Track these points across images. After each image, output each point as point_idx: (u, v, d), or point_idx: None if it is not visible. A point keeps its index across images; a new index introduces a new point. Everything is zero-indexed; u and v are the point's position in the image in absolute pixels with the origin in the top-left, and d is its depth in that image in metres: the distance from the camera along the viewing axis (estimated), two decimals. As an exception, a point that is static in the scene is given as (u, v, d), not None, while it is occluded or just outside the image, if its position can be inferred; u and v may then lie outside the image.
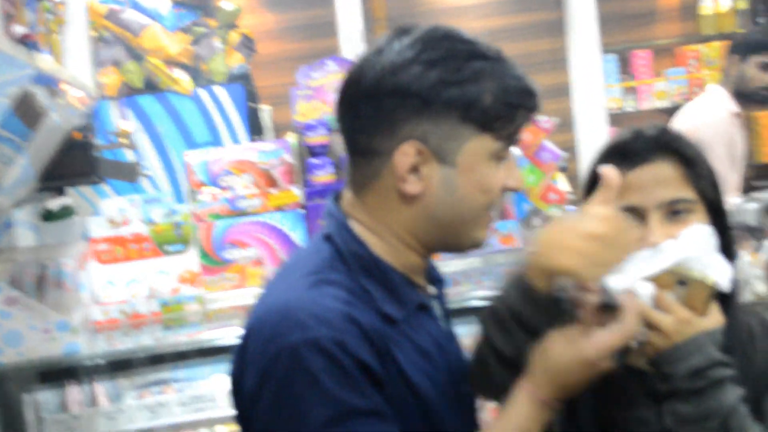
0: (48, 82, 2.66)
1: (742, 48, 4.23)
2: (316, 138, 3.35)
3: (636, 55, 6.42)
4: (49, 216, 3.17)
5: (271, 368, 1.33)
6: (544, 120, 3.50)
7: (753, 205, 2.69)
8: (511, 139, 1.44)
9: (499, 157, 1.44)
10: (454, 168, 1.43)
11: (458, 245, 1.52)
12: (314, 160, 3.33)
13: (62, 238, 3.12)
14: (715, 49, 6.30)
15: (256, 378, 1.36)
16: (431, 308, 1.56)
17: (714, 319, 1.53)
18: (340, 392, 1.31)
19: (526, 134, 3.45)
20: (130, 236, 3.02)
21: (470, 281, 3.15)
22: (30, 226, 3.26)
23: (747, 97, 4.26)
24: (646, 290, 1.47)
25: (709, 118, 4.20)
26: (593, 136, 6.18)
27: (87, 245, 2.99)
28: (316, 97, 3.52)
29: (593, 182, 1.61)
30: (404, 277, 1.50)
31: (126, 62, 4.63)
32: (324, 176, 3.31)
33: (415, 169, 1.42)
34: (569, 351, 1.40)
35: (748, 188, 4.71)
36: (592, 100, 6.22)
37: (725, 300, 1.56)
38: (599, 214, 1.40)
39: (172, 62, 4.65)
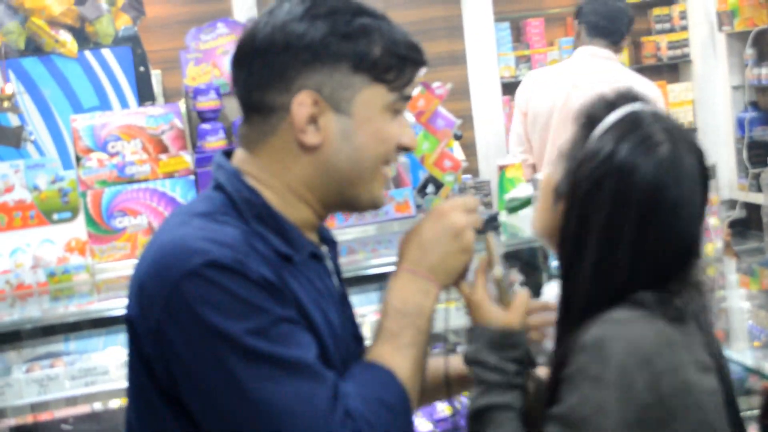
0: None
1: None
2: (207, 103, 3.31)
3: (529, 24, 6.51)
4: (-74, 182, 3.07)
5: (175, 298, 1.34)
6: (437, 86, 3.51)
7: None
8: (402, 92, 1.50)
9: (394, 109, 1.50)
10: (351, 118, 1.48)
11: (356, 201, 1.55)
12: (205, 126, 3.29)
13: (-59, 205, 3.02)
14: (607, 18, 6.42)
15: (161, 313, 1.35)
16: (324, 261, 1.58)
17: (501, 319, 1.59)
18: (258, 302, 1.35)
19: (420, 100, 3.47)
20: (14, 203, 2.95)
21: (366, 249, 3.16)
22: None
23: None
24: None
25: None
26: (487, 104, 6.24)
27: (-32, 213, 2.90)
28: (206, 61, 3.47)
29: None
30: (298, 229, 1.52)
31: (7, 22, 4.48)
32: (215, 142, 3.27)
33: (313, 120, 1.46)
34: (434, 221, 1.53)
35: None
36: (485, 68, 6.28)
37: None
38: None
39: (56, 23, 4.53)
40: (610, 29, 4.30)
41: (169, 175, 3.15)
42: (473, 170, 5.85)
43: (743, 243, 5.89)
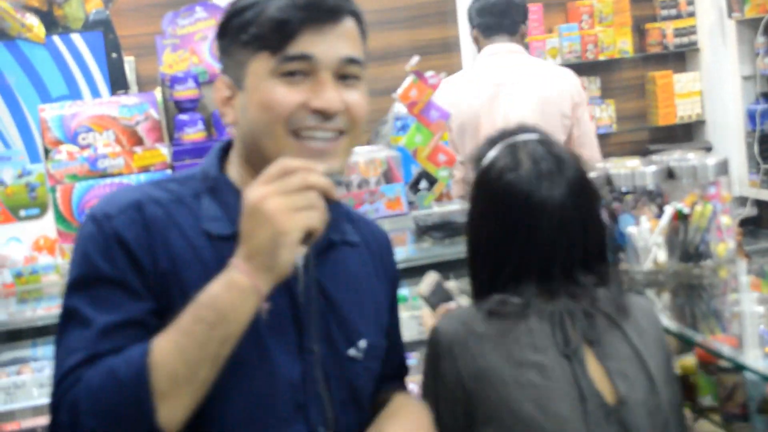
0: None
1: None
2: (185, 92, 3.30)
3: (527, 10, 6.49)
4: None
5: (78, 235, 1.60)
6: (430, 75, 3.50)
7: (651, 169, 2.74)
8: (285, 53, 1.54)
9: (280, 73, 1.55)
10: (245, 92, 1.59)
11: None
12: (183, 116, 3.29)
13: None
14: (609, 4, 6.43)
15: None
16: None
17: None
18: (94, 257, 1.52)
19: (413, 90, 3.46)
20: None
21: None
22: None
23: None
24: None
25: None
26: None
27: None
28: (184, 47, 3.46)
29: None
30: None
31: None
32: (194, 134, 3.27)
33: (229, 102, 1.63)
34: (244, 210, 1.45)
35: (645, 152, 4.83)
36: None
37: None
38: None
39: (21, 6, 4.51)
40: (501, 24, 4.43)
41: (145, 169, 3.15)
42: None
43: (755, 243, 5.88)
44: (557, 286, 1.95)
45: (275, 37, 1.54)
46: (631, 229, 2.68)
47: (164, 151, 3.18)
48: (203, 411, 1.48)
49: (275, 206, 1.40)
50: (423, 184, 3.42)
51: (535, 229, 1.95)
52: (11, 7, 4.44)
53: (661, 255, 2.64)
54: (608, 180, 2.77)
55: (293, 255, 1.42)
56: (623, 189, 2.76)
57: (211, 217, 1.59)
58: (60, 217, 2.99)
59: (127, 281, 1.51)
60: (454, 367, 1.88)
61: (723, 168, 2.77)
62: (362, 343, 1.68)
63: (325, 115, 1.54)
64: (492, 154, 2.03)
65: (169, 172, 3.16)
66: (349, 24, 1.59)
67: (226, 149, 1.71)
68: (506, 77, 4.27)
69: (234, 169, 1.67)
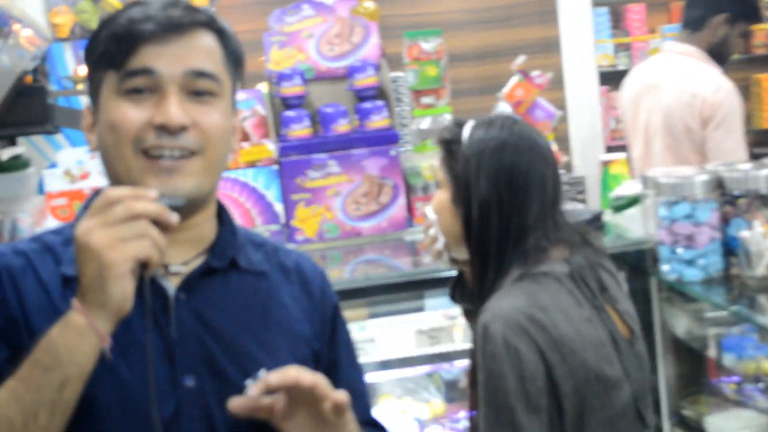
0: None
1: (736, 9, 4.19)
2: (291, 89, 3.32)
3: (629, 10, 6.42)
4: (0, 167, 3.12)
5: None
6: (536, 75, 3.48)
7: (765, 172, 2.67)
8: (127, 68, 1.44)
9: (124, 91, 1.45)
10: (99, 114, 1.50)
11: None
12: (289, 113, 3.30)
13: (15, 191, 3.07)
14: (714, 4, 6.32)
15: None
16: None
17: None
18: None
19: (518, 90, 3.44)
20: (89, 191, 2.98)
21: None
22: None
23: (720, 61, 4.22)
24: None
25: (728, 83, 4.14)
26: (584, 94, 6.17)
27: (43, 200, 2.94)
28: (291, 44, 3.48)
29: None
30: None
31: (80, 2, 4.55)
32: (300, 130, 3.28)
33: (93, 128, 1.53)
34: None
35: (749, 155, 4.71)
36: (582, 56, 6.20)
37: None
38: None
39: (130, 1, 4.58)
40: (686, 16, 4.22)
41: (251, 164, 3.17)
42: (566, 165, 5.79)
43: None
44: (569, 243, 2.07)
45: (116, 52, 1.44)
46: (743, 234, 2.62)
47: (270, 147, 3.20)
48: None
49: (99, 239, 1.30)
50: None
51: (545, 176, 2.06)
52: (120, 4, 4.51)
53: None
54: (720, 183, 2.72)
55: (125, 288, 1.31)
56: (735, 192, 2.70)
57: (70, 260, 1.45)
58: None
59: None
60: (533, 345, 1.88)
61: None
62: (262, 374, 1.48)
63: (168, 130, 1.43)
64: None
65: (275, 167, 3.18)
66: (202, 38, 1.49)
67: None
68: (653, 78, 4.11)
69: None
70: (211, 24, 1.50)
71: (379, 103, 3.30)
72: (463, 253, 2.11)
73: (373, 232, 3.27)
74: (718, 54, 4.15)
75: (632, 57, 6.32)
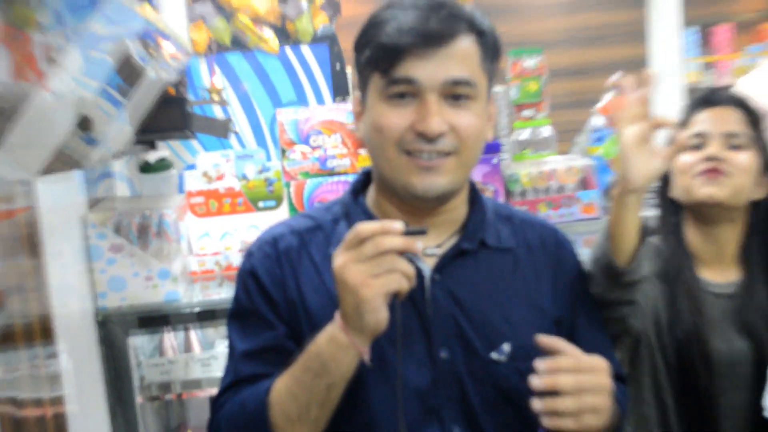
0: (148, 36, 2.70)
1: None
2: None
3: (716, 30, 6.34)
4: (146, 168, 3.23)
5: None
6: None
7: None
8: (390, 76, 1.50)
9: (387, 96, 1.51)
10: (367, 110, 1.57)
11: (394, 190, 1.58)
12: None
13: (159, 189, 3.18)
14: (798, 26, 6.21)
15: None
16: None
17: None
18: (239, 292, 1.65)
19: (611, 105, 3.44)
20: (224, 190, 3.07)
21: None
22: (126, 177, 3.33)
23: None
24: None
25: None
26: (671, 110, 6.11)
27: (183, 198, 3.05)
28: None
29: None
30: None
31: (214, 20, 4.67)
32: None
33: (360, 117, 1.61)
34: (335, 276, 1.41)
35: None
36: (670, 74, 6.14)
37: None
38: None
39: (259, 21, 4.68)
40: None
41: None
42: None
43: None
44: None
45: (384, 60, 1.50)
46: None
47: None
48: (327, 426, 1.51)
49: (353, 275, 1.36)
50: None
51: None
52: (251, 22, 4.63)
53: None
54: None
55: (379, 317, 1.37)
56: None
57: (338, 240, 1.50)
58: (293, 209, 3.10)
59: (261, 312, 1.60)
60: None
61: None
62: (506, 347, 1.58)
63: (427, 137, 1.49)
64: None
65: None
66: (461, 44, 1.51)
67: (369, 173, 1.70)
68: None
69: (370, 192, 1.68)
70: (471, 27, 1.53)
71: (484, 115, 3.34)
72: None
73: (476, 233, 3.30)
74: None
75: (717, 75, 6.24)
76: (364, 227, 1.36)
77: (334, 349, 1.42)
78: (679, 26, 6.13)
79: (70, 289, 2.34)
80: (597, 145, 3.48)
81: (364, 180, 1.71)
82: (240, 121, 4.58)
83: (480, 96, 1.54)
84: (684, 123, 2.17)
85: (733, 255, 2.09)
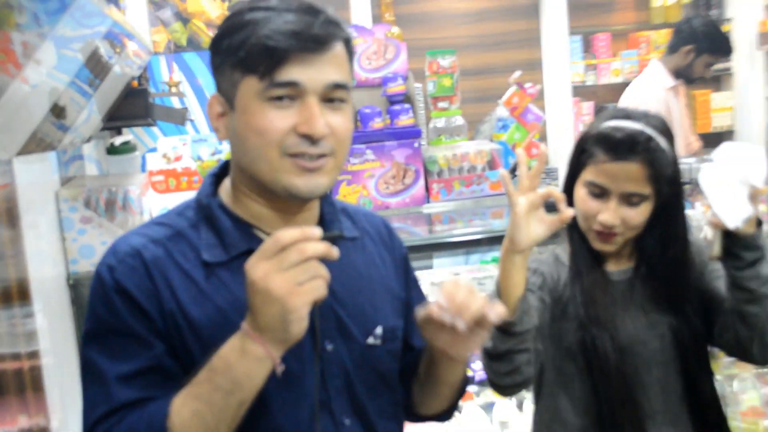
0: (114, 37, 2.60)
1: (703, 45, 4.20)
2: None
3: (597, 38, 6.37)
4: (113, 150, 3.12)
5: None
6: (529, 86, 3.47)
7: (703, 164, 2.67)
8: (272, 79, 1.25)
9: (268, 98, 1.25)
10: (236, 112, 1.29)
11: (274, 192, 1.30)
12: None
13: (124, 169, 3.07)
14: (663, 35, 6.26)
15: None
16: None
17: None
18: (100, 310, 1.27)
19: (515, 98, 3.42)
20: (181, 170, 2.99)
21: (463, 219, 3.14)
22: (94, 159, 3.22)
23: (687, 80, 4.28)
24: None
25: (651, 92, 4.21)
26: (560, 103, 6.14)
27: (146, 176, 2.95)
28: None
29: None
30: (246, 225, 1.34)
31: (173, 24, 4.55)
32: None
33: (221, 118, 1.32)
34: (247, 284, 1.16)
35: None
36: (559, 74, 6.17)
37: None
38: None
39: (211, 24, 4.59)
40: (669, 41, 4.40)
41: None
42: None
43: None
44: None
45: (263, 62, 1.24)
46: (687, 212, 2.61)
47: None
48: None
49: (279, 285, 1.12)
50: (519, 171, 3.38)
51: None
52: (204, 26, 4.51)
53: (709, 232, 2.59)
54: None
55: (303, 325, 1.15)
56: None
57: (209, 245, 1.31)
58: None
59: (134, 330, 1.25)
60: None
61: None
62: (378, 330, 1.41)
63: (311, 140, 1.25)
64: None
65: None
66: (337, 49, 1.29)
67: (219, 174, 1.40)
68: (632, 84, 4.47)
69: (227, 191, 1.37)
70: (342, 32, 1.31)
71: (406, 106, 3.29)
72: None
73: (399, 206, 3.27)
74: (684, 75, 4.22)
75: (598, 75, 6.28)
76: (285, 234, 1.13)
77: (249, 363, 1.16)
78: (566, 34, 6.15)
79: (45, 256, 2.25)
80: (501, 132, 3.46)
81: (218, 181, 1.40)
82: (195, 111, 4.47)
83: (350, 99, 1.33)
84: (589, 154, 1.83)
85: (630, 249, 1.91)
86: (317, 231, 1.15)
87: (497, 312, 1.28)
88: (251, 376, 1.17)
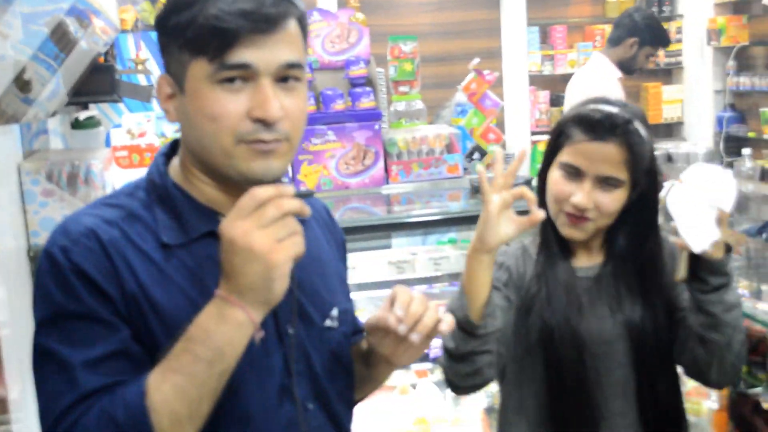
0: (81, 13, 2.53)
1: (645, 37, 4.21)
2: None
3: (554, 29, 6.39)
4: (77, 125, 3.05)
5: (36, 272, 1.20)
6: (487, 73, 3.45)
7: (656, 153, 2.68)
8: (223, 61, 1.14)
9: (219, 80, 1.15)
10: (186, 94, 1.18)
11: (227, 177, 1.21)
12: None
13: (88, 143, 3.00)
14: (617, 28, 6.30)
15: None
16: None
17: None
18: (56, 295, 1.14)
19: (473, 84, 3.41)
20: (145, 146, 2.93)
21: (421, 201, 3.12)
22: (59, 133, 3.14)
23: (627, 72, 4.29)
24: None
25: (599, 82, 4.20)
26: (517, 91, 6.15)
27: (109, 152, 2.89)
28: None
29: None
30: (203, 208, 1.25)
31: (141, 2, 4.46)
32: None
33: (171, 101, 1.22)
34: (224, 244, 1.08)
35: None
36: (517, 63, 6.18)
37: None
38: None
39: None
40: (611, 34, 4.40)
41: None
42: (503, 144, 5.77)
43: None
44: None
45: (213, 44, 1.14)
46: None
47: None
48: None
49: (261, 242, 1.05)
50: (476, 155, 3.38)
51: None
52: (150, 5, 4.44)
53: (660, 217, 2.59)
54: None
55: (285, 284, 1.08)
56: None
57: (166, 227, 1.21)
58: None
59: (96, 314, 1.13)
60: None
61: (708, 157, 2.70)
62: (334, 312, 1.36)
63: (266, 124, 1.16)
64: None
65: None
66: (290, 27, 1.18)
67: (168, 153, 1.30)
68: (575, 76, 4.45)
69: (177, 171, 1.26)
70: (296, 9, 1.20)
71: (368, 89, 3.25)
72: None
73: (358, 186, 3.24)
74: (627, 67, 4.21)
75: (554, 66, 6.29)
76: (261, 191, 1.06)
77: (229, 329, 1.08)
78: (524, 25, 6.16)
79: (6, 228, 2.19)
80: (460, 117, 3.44)
81: (168, 161, 1.29)
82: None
83: (304, 78, 1.22)
84: (566, 135, 1.72)
85: (600, 242, 1.79)
86: (290, 188, 1.08)
87: (448, 323, 1.25)
88: (233, 343, 1.08)
